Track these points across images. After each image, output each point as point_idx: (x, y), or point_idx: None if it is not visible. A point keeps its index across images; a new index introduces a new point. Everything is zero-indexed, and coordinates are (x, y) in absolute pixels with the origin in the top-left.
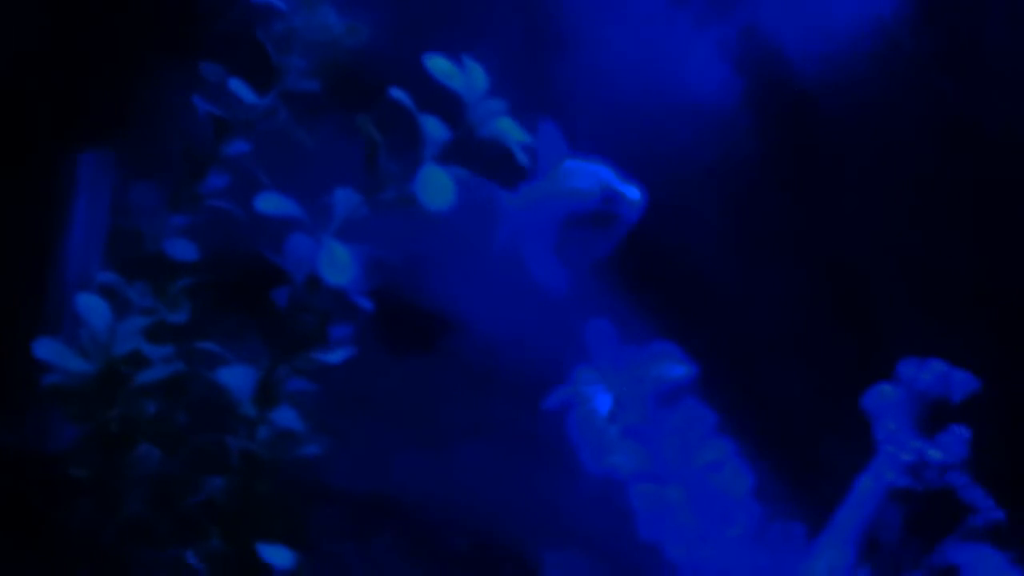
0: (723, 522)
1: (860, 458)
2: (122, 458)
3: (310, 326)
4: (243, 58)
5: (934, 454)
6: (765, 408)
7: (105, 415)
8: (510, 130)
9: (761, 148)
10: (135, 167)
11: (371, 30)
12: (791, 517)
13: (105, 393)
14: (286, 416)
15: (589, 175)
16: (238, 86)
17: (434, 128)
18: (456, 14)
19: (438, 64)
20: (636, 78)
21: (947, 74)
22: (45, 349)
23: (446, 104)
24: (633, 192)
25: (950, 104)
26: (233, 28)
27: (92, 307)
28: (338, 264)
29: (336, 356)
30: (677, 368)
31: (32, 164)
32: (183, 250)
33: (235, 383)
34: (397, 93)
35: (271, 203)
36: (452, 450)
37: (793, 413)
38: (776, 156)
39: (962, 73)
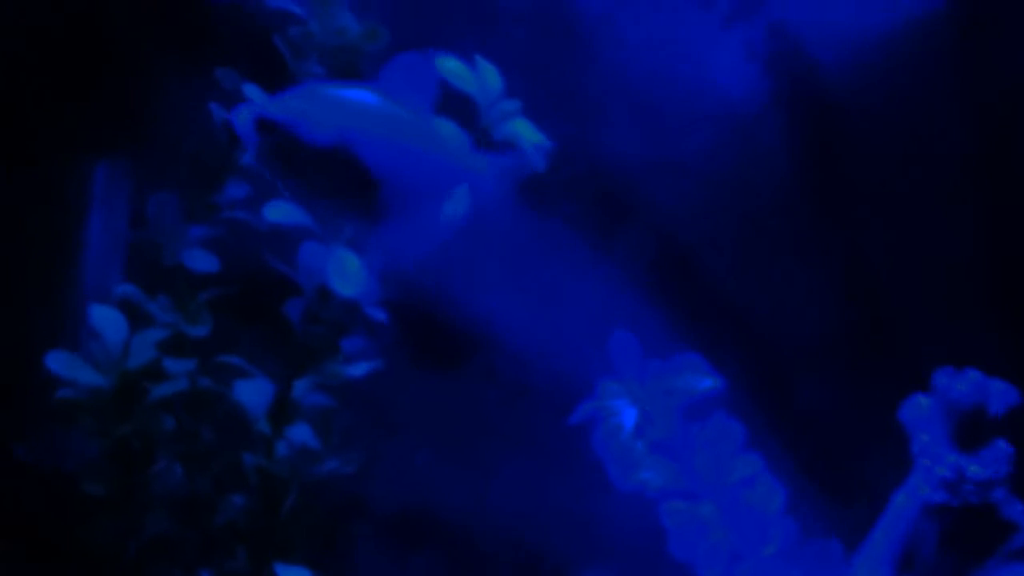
0: (757, 540)
1: (899, 472)
2: (139, 475)
3: (322, 339)
4: (260, 64)
5: (974, 470)
6: (798, 421)
7: (119, 430)
8: (525, 131)
9: (787, 150)
10: (153, 177)
11: (391, 33)
12: (828, 534)
13: (119, 408)
14: (302, 433)
15: None
16: (254, 92)
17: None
18: (475, 15)
19: (450, 66)
20: (661, 78)
21: (979, 74)
22: (57, 362)
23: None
24: None
25: (981, 105)
26: (250, 33)
27: (107, 319)
28: (348, 274)
29: (358, 369)
30: (704, 380)
31: (48, 174)
32: (202, 262)
33: (249, 399)
34: None
35: (280, 211)
36: (490, 466)
37: (828, 426)
38: (803, 159)
39: (995, 73)
